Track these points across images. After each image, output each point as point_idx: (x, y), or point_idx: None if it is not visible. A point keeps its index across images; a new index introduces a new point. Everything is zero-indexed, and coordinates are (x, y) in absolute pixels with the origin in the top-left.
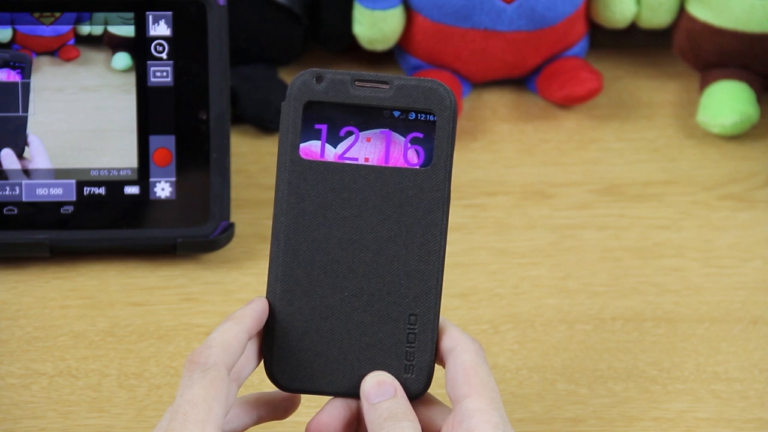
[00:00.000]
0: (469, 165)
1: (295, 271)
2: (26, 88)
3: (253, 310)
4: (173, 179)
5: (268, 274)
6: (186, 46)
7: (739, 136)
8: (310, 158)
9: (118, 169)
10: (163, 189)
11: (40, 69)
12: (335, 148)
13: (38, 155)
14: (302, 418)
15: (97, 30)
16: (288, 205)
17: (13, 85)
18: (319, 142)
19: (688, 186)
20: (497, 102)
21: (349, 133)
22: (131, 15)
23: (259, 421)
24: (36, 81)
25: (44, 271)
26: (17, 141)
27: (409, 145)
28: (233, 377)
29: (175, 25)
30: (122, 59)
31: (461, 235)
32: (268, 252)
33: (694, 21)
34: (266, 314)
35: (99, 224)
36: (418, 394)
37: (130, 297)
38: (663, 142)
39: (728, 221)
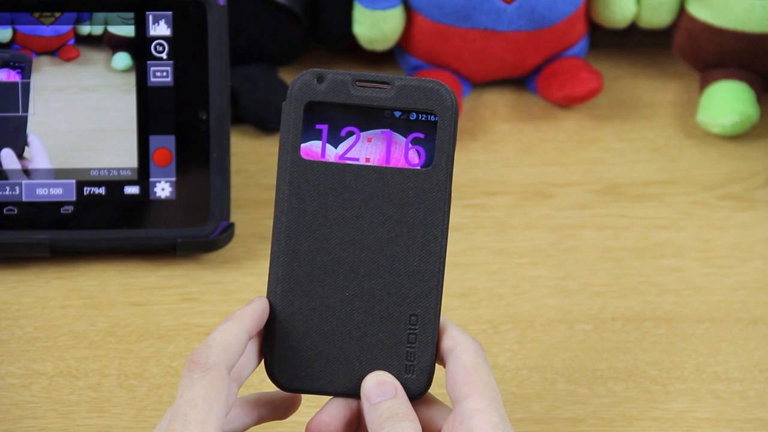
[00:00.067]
0: (469, 165)
1: (296, 271)
2: (26, 88)
3: (254, 310)
4: (173, 179)
5: (269, 274)
6: (186, 46)
7: (739, 136)
8: (311, 158)
9: (118, 169)
10: (163, 189)
11: (40, 69)
12: (336, 148)
13: (38, 155)
14: (302, 418)
15: (97, 30)
16: (289, 206)
17: (13, 85)
18: (320, 142)
19: (688, 186)
20: (497, 102)
21: (350, 134)
22: (131, 15)
23: (259, 421)
24: (36, 81)
25: (44, 271)
26: (17, 141)
27: (410, 145)
28: (233, 377)
29: (175, 25)
30: (122, 59)
31: (461, 235)
32: (268, 252)
33: (694, 21)
34: (266, 314)
35: (99, 224)
36: (418, 394)
37: (130, 297)
38: (663, 142)
39: (728, 221)
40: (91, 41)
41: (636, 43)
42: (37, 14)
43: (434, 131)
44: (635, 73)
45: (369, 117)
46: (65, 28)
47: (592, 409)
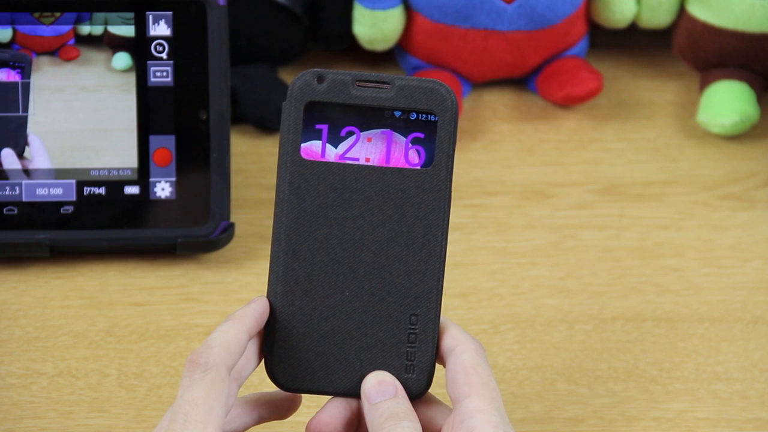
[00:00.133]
0: (469, 165)
1: (296, 271)
2: (26, 88)
3: (254, 310)
4: (173, 179)
5: (269, 274)
6: (186, 46)
7: (739, 136)
8: (311, 158)
9: (118, 169)
10: (163, 189)
11: (40, 69)
12: (336, 148)
13: (38, 155)
14: (302, 417)
15: (97, 30)
16: (289, 205)
17: (13, 85)
18: (320, 142)
19: (688, 186)
20: (497, 102)
21: (350, 133)
22: (131, 15)
23: (259, 421)
24: (36, 81)
25: (44, 271)
26: (17, 141)
27: (410, 145)
28: (234, 377)
29: (175, 25)
30: (122, 59)
31: (461, 235)
32: (268, 252)
33: (694, 21)
34: (267, 314)
35: (99, 224)
36: (418, 394)
37: (130, 297)
38: (663, 142)
39: (728, 221)
40: (91, 41)
41: (636, 43)
42: (37, 14)
43: (434, 131)
44: (635, 73)
45: (369, 117)
46: (65, 28)
47: (592, 409)
